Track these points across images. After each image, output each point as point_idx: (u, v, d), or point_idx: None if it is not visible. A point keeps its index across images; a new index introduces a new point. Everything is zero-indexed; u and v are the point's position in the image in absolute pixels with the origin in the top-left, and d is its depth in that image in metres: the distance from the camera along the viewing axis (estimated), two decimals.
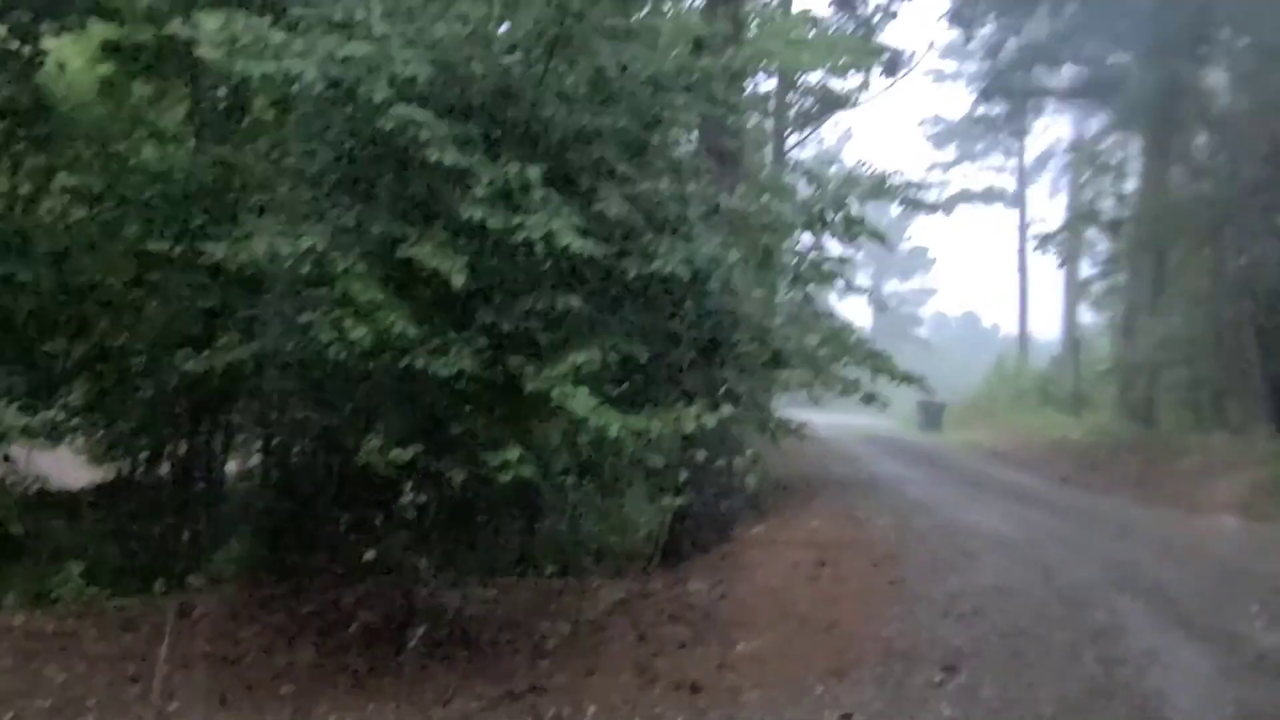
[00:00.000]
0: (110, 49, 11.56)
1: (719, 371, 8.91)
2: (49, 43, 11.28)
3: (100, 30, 11.56)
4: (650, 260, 8.17)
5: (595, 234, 7.90)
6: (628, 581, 10.80)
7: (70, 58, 12.37)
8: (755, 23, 13.61)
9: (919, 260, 66.83)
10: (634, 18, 9.65)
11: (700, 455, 8.86)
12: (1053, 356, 37.32)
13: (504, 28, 8.98)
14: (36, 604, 9.62)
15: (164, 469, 12.09)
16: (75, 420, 11.84)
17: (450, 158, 7.55)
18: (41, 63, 11.05)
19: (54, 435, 11.50)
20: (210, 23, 7.51)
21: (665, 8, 10.99)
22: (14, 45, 10.85)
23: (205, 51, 7.66)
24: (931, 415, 31.66)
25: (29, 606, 9.54)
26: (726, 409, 8.05)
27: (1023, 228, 44.65)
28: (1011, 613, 8.49)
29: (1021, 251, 44.40)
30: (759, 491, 12.30)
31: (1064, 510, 14.16)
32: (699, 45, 9.43)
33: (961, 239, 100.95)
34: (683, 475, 8.94)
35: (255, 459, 12.29)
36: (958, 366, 46.12)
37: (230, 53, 7.46)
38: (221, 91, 11.51)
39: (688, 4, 13.85)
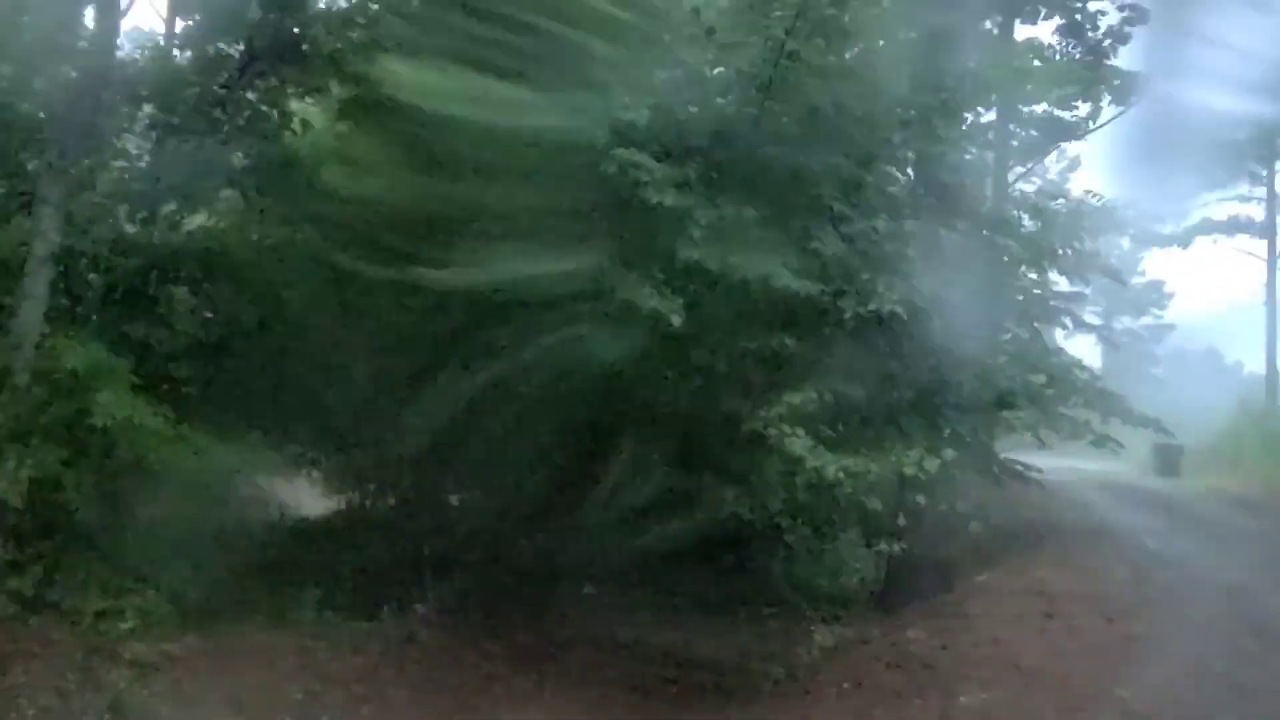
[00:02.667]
0: (347, 108, 12.30)
1: (940, 413, 8.63)
2: (294, 105, 12.19)
3: (341, 92, 12.44)
4: (867, 299, 8.05)
5: (811, 273, 7.86)
6: (843, 626, 10.55)
7: (313, 117, 13.22)
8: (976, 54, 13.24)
9: (1154, 295, 62.42)
10: (848, 55, 9.57)
11: (920, 499, 8.59)
12: None
13: (719, 70, 9.12)
14: (278, 624, 10.31)
15: (393, 501, 12.72)
16: (317, 453, 12.63)
17: (669, 199, 7.71)
18: (288, 124, 11.93)
19: (293, 468, 12.33)
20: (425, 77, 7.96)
21: (880, 44, 10.80)
22: (264, 108, 11.80)
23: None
24: (1169, 459, 29.44)
25: (272, 627, 10.24)
26: (949, 453, 7.80)
27: (1272, 259, 41.04)
28: (1265, 679, 7.73)
29: (1270, 284, 40.80)
30: (983, 538, 11.75)
31: None
32: (915, 81, 9.25)
33: (1202, 272, 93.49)
34: (901, 520, 8.68)
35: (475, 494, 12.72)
36: (1198, 407, 42.65)
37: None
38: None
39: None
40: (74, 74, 10.08)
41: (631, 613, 8.97)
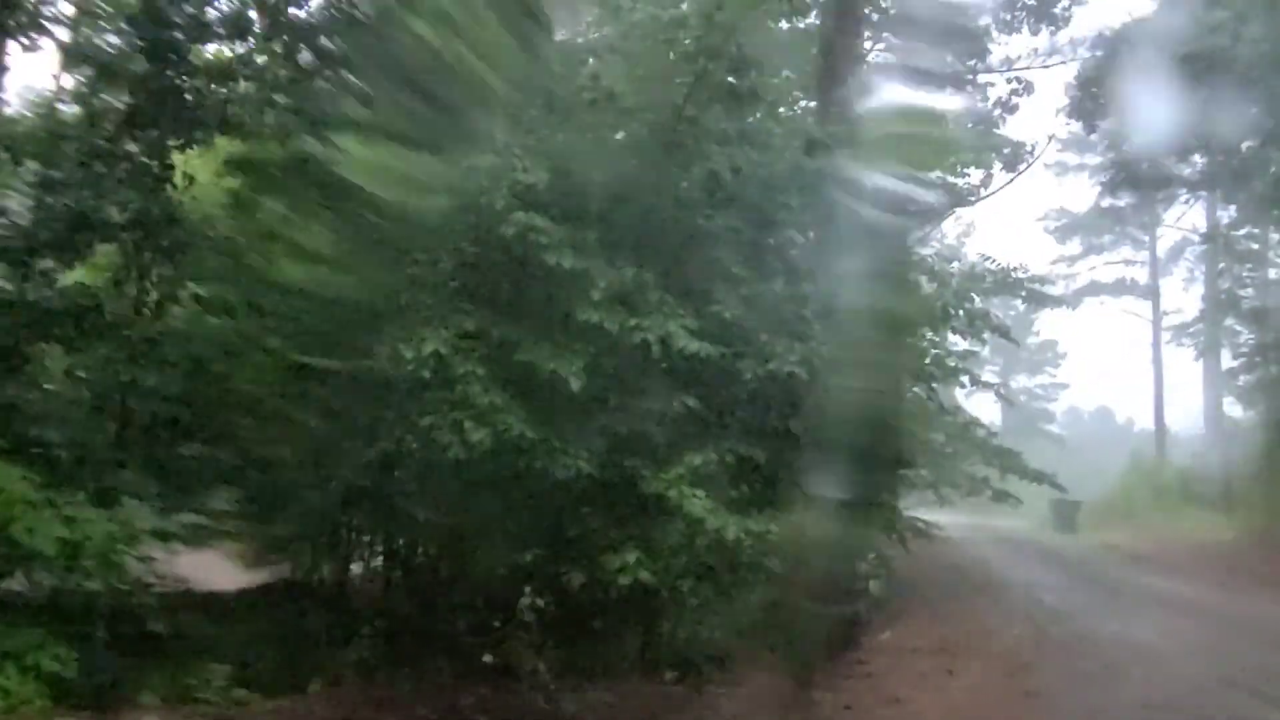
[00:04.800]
0: (236, 164, 12.10)
1: (840, 471, 8.68)
2: (176, 157, 11.95)
3: (226, 145, 12.21)
4: (767, 361, 8.10)
5: (711, 335, 7.89)
6: (750, 689, 10.46)
7: (197, 170, 12.96)
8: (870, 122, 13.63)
9: (1048, 354, 64.72)
10: (747, 121, 9.74)
11: (822, 559, 8.59)
12: (1194, 452, 35.44)
13: (619, 134, 9.20)
14: (173, 704, 9.82)
15: (299, 571, 12.31)
16: (224, 525, 12.16)
17: (568, 261, 7.70)
18: (170, 177, 11.66)
19: (194, 540, 11.84)
20: (352, 146, 7.88)
21: (779, 111, 11.06)
22: (143, 159, 11.51)
23: (347, 173, 8.06)
24: (1066, 515, 30.28)
25: (164, 707, 9.74)
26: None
27: (1157, 320, 42.96)
28: None
29: (1156, 344, 42.63)
30: (885, 595, 11.84)
31: (1215, 618, 13.20)
32: (812, 147, 9.45)
33: (1092, 333, 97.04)
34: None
35: (378, 561, 12.42)
36: (1092, 463, 44.12)
37: (368, 174, 7.83)
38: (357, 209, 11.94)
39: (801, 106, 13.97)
40: None
41: (535, 682, 8.74)
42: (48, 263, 10.67)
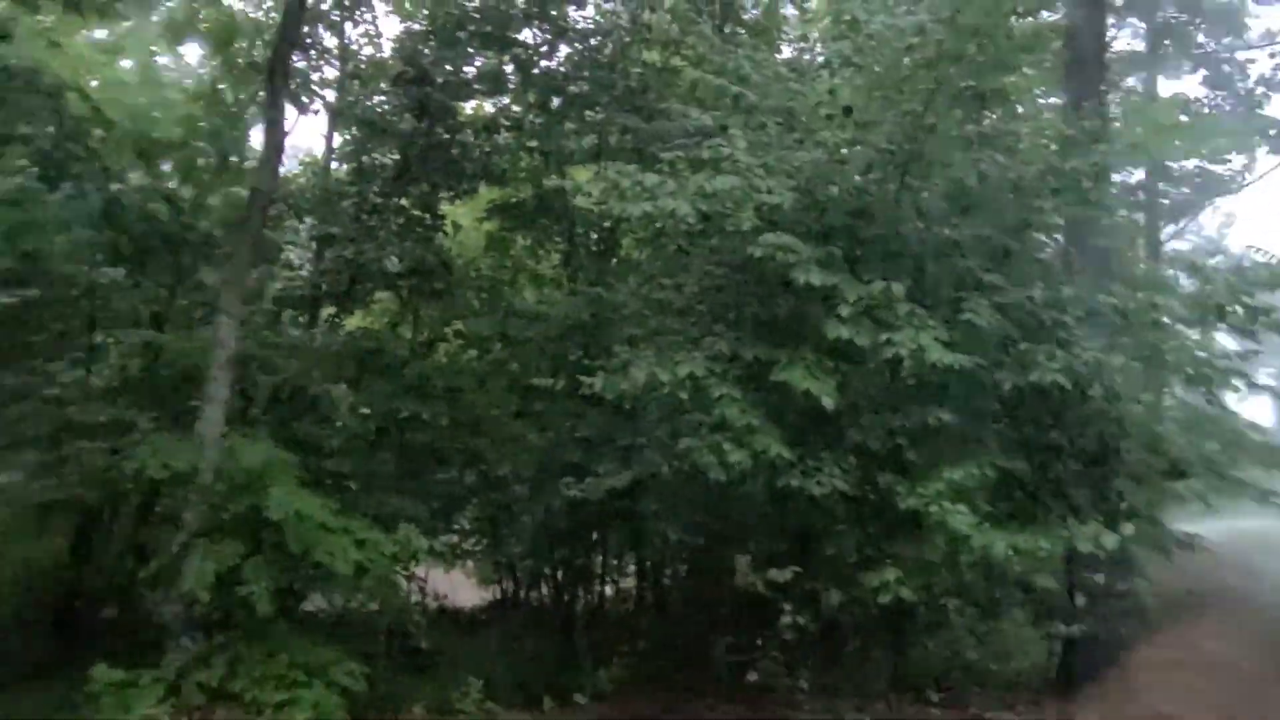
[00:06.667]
0: (495, 208, 12.92)
1: (1111, 485, 8.25)
2: (445, 208, 12.83)
3: (486, 194, 13.01)
4: (1026, 370, 7.82)
5: (964, 346, 7.70)
6: (1013, 713, 10.02)
7: (460, 218, 13.89)
8: (1121, 114, 12.88)
9: None
10: (990, 124, 9.48)
11: (1098, 578, 8.18)
12: None
13: (857, 148, 9.12)
14: (440, 715, 10.42)
15: (545, 590, 12.86)
16: (471, 543, 12.91)
17: (816, 278, 7.70)
18: (440, 227, 12.52)
19: (453, 557, 12.61)
20: (583, 175, 8.23)
21: (1020, 110, 10.64)
22: (416, 212, 12.42)
23: (580, 200, 8.42)
24: None
25: (433, 716, 10.36)
26: (1129, 527, 7.42)
27: None
28: None
29: None
30: (1148, 610, 11.06)
31: None
32: (1065, 146, 9.03)
33: None
34: (1079, 599, 8.27)
35: (630, 581, 12.76)
36: None
37: (605, 198, 8.13)
38: (593, 235, 12.49)
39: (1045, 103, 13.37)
40: (245, 193, 10.81)
41: (792, 701, 8.73)
42: (330, 310, 11.74)
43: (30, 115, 9.24)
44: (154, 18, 12.90)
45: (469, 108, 13.18)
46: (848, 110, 8.77)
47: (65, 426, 9.58)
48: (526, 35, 12.61)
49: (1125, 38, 19.39)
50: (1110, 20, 14.48)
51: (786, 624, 8.05)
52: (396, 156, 12.27)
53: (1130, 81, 19.14)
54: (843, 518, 8.32)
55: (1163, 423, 9.50)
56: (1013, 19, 8.68)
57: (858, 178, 8.79)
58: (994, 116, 10.09)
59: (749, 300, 8.79)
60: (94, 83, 11.75)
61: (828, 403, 7.48)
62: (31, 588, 10.59)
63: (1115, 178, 11.42)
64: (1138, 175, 17.86)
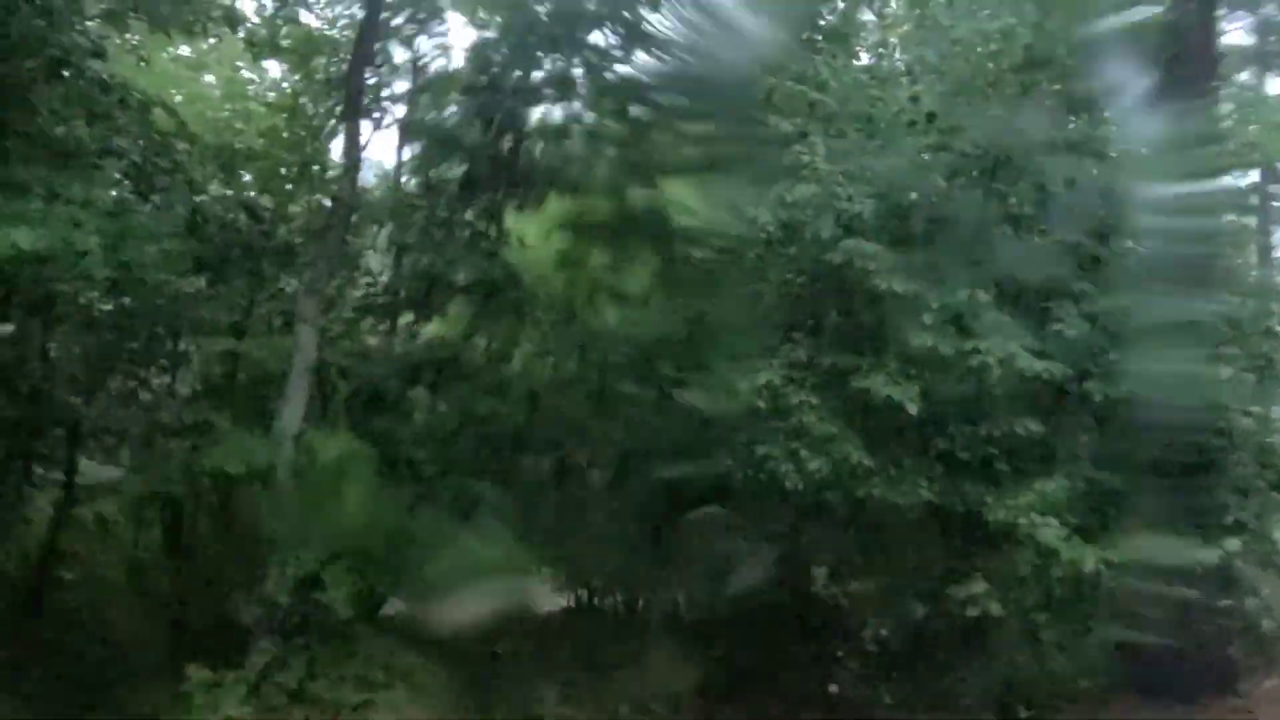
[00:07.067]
0: (567, 223, 12.70)
1: (1212, 497, 7.93)
2: (511, 221, 12.76)
3: (558, 206, 12.90)
4: (1117, 380, 7.58)
5: (1053, 355, 7.50)
6: None
7: (527, 231, 13.71)
8: (1231, 114, 12.23)
9: None
10: (1078, 128, 9.21)
11: (1193, 593, 7.86)
12: None
13: (940, 154, 8.93)
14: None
15: (621, 597, 12.77)
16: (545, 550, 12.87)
17: (898, 286, 7.57)
18: (506, 240, 12.47)
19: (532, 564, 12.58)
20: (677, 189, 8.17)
21: (1105, 115, 10.28)
22: (482, 225, 12.41)
23: (678, 217, 8.35)
24: None
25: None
26: (1233, 542, 7.13)
27: None
28: None
29: None
30: (1269, 637, 10.54)
31: None
32: (1162, 149, 8.72)
33: None
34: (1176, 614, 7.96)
35: (706, 588, 12.58)
36: None
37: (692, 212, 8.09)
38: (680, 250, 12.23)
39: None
40: (326, 202, 10.97)
41: (875, 714, 8.56)
42: (409, 317, 11.83)
43: (121, 130, 9.49)
44: (238, 35, 13.15)
45: (537, 114, 13.01)
46: (931, 116, 8.61)
47: (156, 427, 9.84)
48: (597, 38, 12.38)
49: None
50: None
51: (868, 636, 7.89)
52: (464, 167, 12.26)
53: (1243, 76, 18.24)
54: (928, 528, 8.13)
55: (1273, 434, 9.12)
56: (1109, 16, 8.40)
57: (942, 183, 8.61)
58: (1082, 119, 9.81)
59: (828, 308, 8.66)
60: (179, 97, 12.01)
61: (911, 408, 7.34)
62: (134, 583, 10.87)
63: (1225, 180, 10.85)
64: (1250, 177, 17.02)
